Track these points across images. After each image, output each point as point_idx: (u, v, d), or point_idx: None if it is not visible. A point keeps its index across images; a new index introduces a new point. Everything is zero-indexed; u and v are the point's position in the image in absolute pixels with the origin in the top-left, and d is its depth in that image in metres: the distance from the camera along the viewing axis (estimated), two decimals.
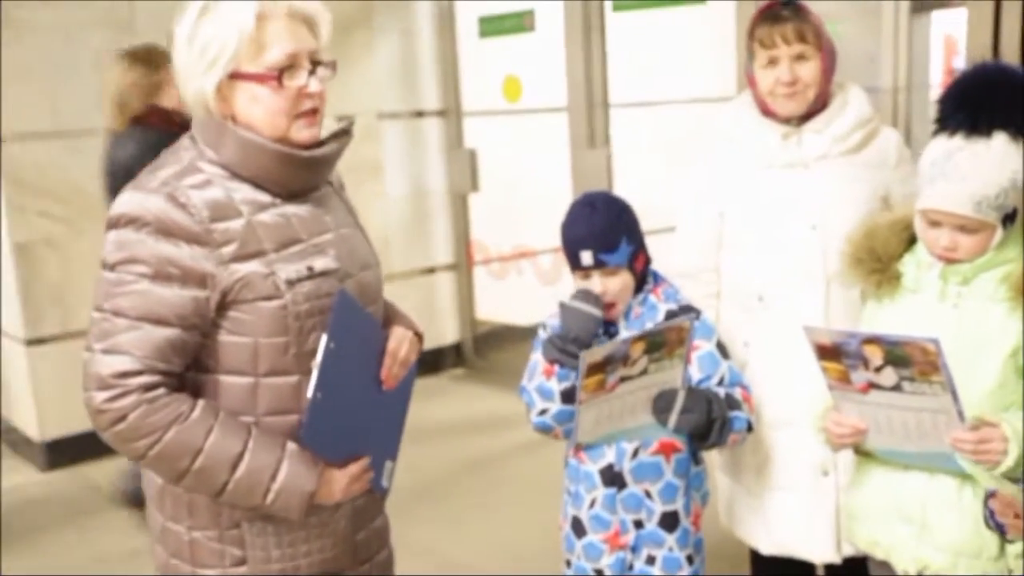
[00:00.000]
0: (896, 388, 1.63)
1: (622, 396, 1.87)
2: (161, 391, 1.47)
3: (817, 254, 2.11)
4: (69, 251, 4.32)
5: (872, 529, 1.85)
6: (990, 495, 1.59)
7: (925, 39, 5.00)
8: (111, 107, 3.43)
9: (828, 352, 1.67)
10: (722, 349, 2.05)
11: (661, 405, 1.89)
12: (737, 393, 2.01)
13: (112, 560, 3.44)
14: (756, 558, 2.42)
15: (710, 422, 1.92)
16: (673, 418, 1.89)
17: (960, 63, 4.77)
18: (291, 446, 1.53)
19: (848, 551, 2.18)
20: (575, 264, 2.00)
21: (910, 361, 1.58)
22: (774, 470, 2.23)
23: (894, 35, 4.63)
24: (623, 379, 1.85)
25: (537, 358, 2.03)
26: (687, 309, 2.04)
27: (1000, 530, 1.60)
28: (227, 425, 1.50)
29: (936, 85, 5.07)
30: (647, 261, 2.06)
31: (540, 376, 2.00)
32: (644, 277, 2.05)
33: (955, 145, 1.70)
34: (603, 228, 1.97)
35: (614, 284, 1.98)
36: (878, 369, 1.63)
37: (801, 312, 2.11)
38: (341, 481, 1.59)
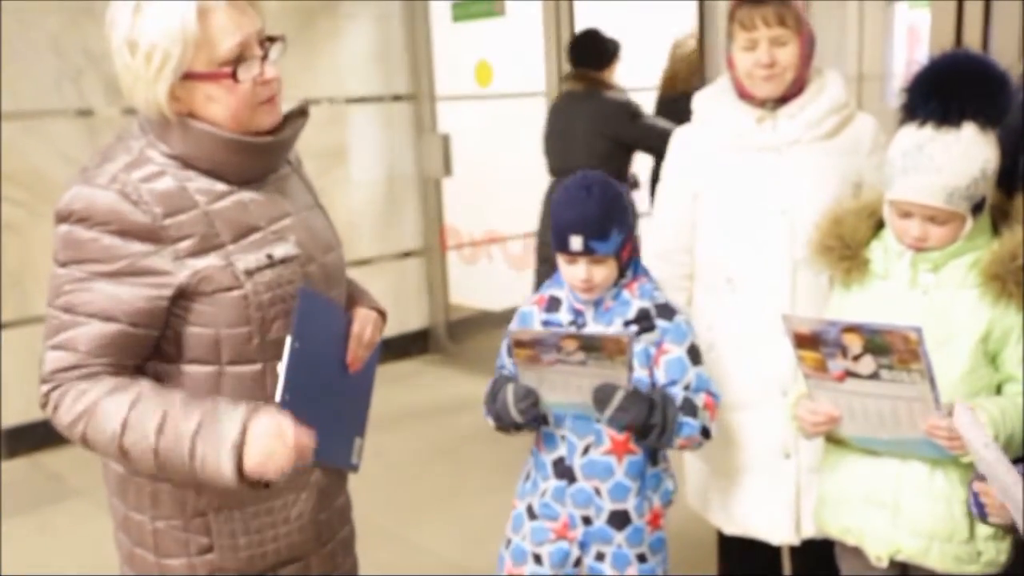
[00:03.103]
0: (873, 376, 1.63)
1: (564, 374, 1.85)
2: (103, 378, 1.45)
3: (785, 239, 2.12)
4: (27, 236, 4.23)
5: (844, 515, 1.86)
6: (976, 478, 1.60)
7: (889, 28, 5.04)
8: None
9: (806, 341, 1.67)
10: (695, 353, 1.98)
11: (600, 396, 1.84)
12: (699, 399, 1.93)
13: (73, 549, 3.40)
14: (723, 540, 2.45)
15: (648, 426, 1.86)
16: (608, 413, 1.85)
17: (923, 53, 4.81)
18: (217, 402, 1.44)
19: (807, 533, 2.20)
20: (562, 247, 1.93)
21: (890, 350, 1.58)
22: (736, 452, 2.24)
23: (859, 23, 4.67)
24: (560, 362, 1.83)
25: (503, 350, 2.03)
26: (663, 308, 1.97)
27: (981, 511, 1.62)
28: (156, 395, 1.44)
29: (898, 74, 5.12)
30: (633, 251, 1.99)
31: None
32: (625, 267, 1.98)
33: (925, 136, 1.70)
34: (597, 215, 1.90)
35: (600, 273, 1.92)
36: (856, 358, 1.63)
37: (768, 296, 2.13)
38: (268, 437, 1.41)
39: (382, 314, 1.78)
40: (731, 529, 2.31)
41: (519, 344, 1.81)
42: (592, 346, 1.80)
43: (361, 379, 1.74)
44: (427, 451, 4.13)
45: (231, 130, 1.47)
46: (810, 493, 2.14)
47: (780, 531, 2.24)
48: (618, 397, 1.83)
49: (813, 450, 2.10)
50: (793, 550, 2.36)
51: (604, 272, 1.93)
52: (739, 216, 2.17)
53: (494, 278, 5.42)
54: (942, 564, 1.76)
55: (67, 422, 1.46)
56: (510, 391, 1.91)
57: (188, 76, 1.43)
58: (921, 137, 1.70)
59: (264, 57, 1.48)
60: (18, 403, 4.20)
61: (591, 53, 4.20)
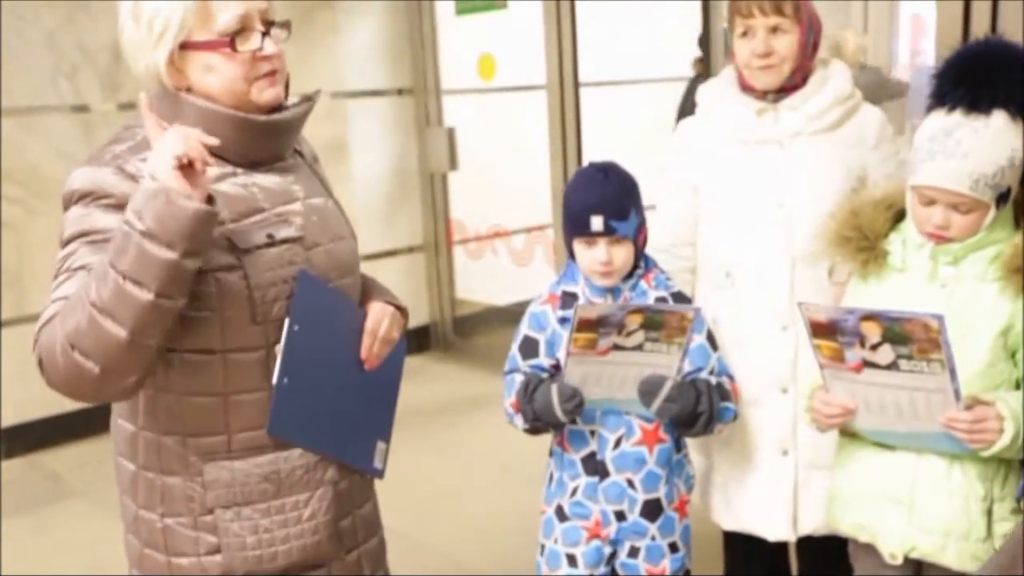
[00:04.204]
0: (892, 366, 1.60)
1: (613, 364, 1.84)
2: None
3: (783, 232, 2.09)
4: (24, 233, 4.20)
5: (857, 512, 1.83)
6: None
7: (894, 21, 5.02)
8: None
9: (823, 329, 1.64)
10: (712, 339, 2.03)
11: (647, 388, 1.86)
12: (726, 383, 1.99)
13: (71, 549, 3.37)
14: (728, 537, 2.43)
15: (695, 415, 1.89)
16: (656, 404, 1.86)
17: (928, 45, 4.80)
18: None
19: (804, 530, 2.18)
20: (581, 230, 1.93)
21: (910, 338, 1.55)
22: (736, 447, 2.22)
23: (863, 15, 4.65)
24: (616, 347, 1.81)
25: (515, 351, 2.03)
26: (678, 297, 2.00)
27: None
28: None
29: (903, 64, 5.10)
30: (645, 241, 2.01)
31: (510, 398, 1.99)
32: (639, 257, 1.99)
33: (954, 122, 1.67)
34: (616, 194, 1.92)
35: (620, 255, 1.93)
36: (875, 347, 1.60)
37: (766, 290, 2.11)
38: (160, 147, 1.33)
39: (402, 311, 1.74)
40: (729, 525, 2.30)
41: (583, 324, 1.78)
42: (654, 321, 1.79)
43: (383, 379, 1.71)
44: (431, 448, 4.10)
45: (229, 104, 1.48)
46: (808, 490, 2.14)
47: (777, 528, 2.21)
48: (667, 387, 1.85)
49: (812, 447, 2.09)
50: (800, 547, 2.33)
51: (623, 254, 1.94)
52: (739, 210, 2.15)
53: (498, 273, 5.38)
54: (959, 562, 1.72)
55: (48, 343, 1.39)
56: (555, 391, 1.88)
57: (187, 45, 1.46)
58: (949, 122, 1.67)
59: (266, 34, 1.49)
60: (16, 402, 4.16)
61: None
